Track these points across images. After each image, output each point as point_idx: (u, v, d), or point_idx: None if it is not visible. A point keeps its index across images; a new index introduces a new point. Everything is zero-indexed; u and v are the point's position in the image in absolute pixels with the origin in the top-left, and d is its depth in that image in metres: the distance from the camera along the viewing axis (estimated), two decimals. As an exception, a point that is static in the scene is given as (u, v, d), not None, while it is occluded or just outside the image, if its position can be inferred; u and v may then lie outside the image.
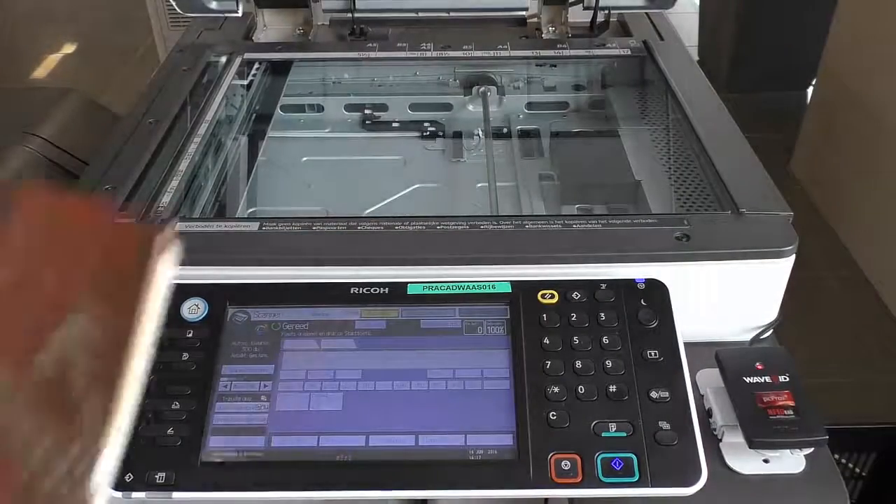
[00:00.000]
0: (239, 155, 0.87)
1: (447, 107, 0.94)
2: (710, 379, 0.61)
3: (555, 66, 0.97)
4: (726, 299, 0.64)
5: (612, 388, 0.55)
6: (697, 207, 0.73)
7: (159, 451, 0.54)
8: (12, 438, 0.36)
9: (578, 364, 0.57)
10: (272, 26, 1.10)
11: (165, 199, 0.71)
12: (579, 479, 0.52)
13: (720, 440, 0.58)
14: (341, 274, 0.62)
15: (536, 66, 0.97)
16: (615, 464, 0.53)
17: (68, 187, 0.74)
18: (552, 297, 0.60)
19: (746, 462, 0.57)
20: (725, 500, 0.56)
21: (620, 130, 0.90)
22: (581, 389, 0.55)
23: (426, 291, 0.61)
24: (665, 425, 0.54)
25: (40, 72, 2.78)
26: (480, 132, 0.90)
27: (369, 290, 0.61)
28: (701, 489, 0.52)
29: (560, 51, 0.97)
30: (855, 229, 1.89)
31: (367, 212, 0.73)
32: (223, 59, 0.96)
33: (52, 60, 2.84)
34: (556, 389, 0.56)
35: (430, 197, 0.73)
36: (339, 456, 0.54)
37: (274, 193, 0.83)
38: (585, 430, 0.54)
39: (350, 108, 0.99)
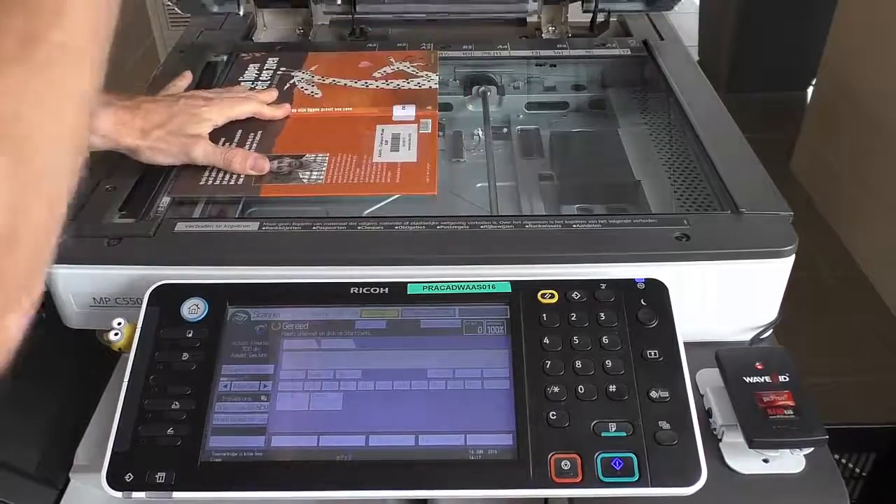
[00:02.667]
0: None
1: (447, 107, 0.94)
2: (710, 379, 0.61)
3: (555, 66, 0.97)
4: (726, 299, 0.64)
5: (612, 388, 0.55)
6: (697, 207, 0.73)
7: (159, 451, 0.54)
8: None
9: (578, 364, 0.57)
10: (272, 26, 1.10)
11: (166, 199, 0.71)
12: (579, 479, 0.52)
13: (720, 440, 0.58)
14: (341, 274, 0.62)
15: (536, 66, 0.97)
16: (615, 464, 0.53)
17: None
18: (552, 296, 0.60)
19: (746, 462, 0.57)
20: (725, 500, 0.56)
21: (620, 130, 0.89)
22: (581, 389, 0.55)
23: (426, 291, 0.61)
24: (665, 425, 0.54)
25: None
26: (480, 132, 0.90)
27: (369, 290, 0.61)
28: (701, 489, 0.52)
29: (560, 51, 0.97)
30: (855, 229, 1.89)
31: (367, 212, 0.73)
32: (223, 59, 0.96)
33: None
34: (556, 389, 0.56)
35: (429, 197, 0.73)
36: (339, 456, 0.54)
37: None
38: (585, 429, 0.54)
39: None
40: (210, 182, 0.73)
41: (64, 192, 0.37)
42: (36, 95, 0.36)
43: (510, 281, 0.61)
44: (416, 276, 0.62)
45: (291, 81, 0.89)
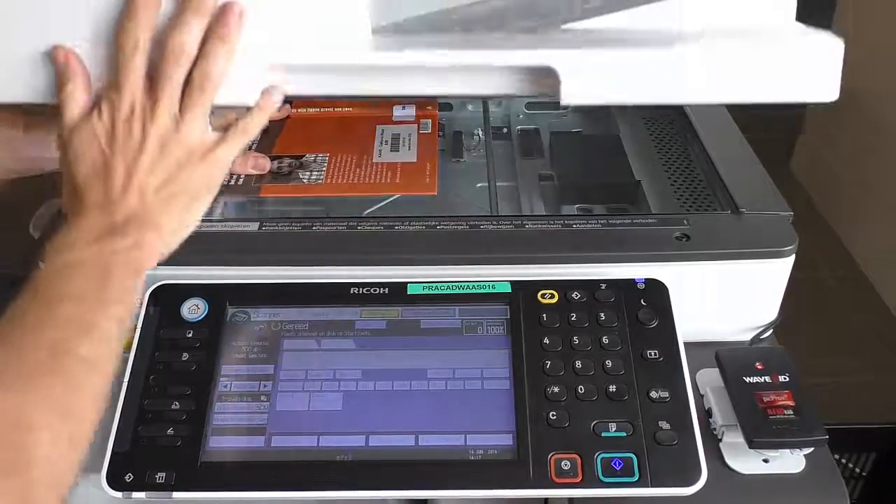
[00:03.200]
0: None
1: (447, 107, 0.94)
2: (710, 379, 0.61)
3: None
4: (726, 299, 0.64)
5: (612, 388, 0.55)
6: (697, 207, 0.73)
7: (159, 451, 0.54)
8: None
9: (578, 364, 0.57)
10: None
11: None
12: (579, 479, 0.52)
13: (720, 440, 0.58)
14: (341, 274, 0.62)
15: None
16: (615, 464, 0.53)
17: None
18: (552, 296, 0.60)
19: (746, 462, 0.57)
20: (725, 500, 0.56)
21: (620, 130, 0.89)
22: (581, 389, 0.55)
23: (426, 291, 0.61)
24: (665, 425, 0.54)
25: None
26: (480, 132, 0.90)
27: (369, 290, 0.61)
28: (701, 489, 0.52)
29: (560, 51, 0.97)
30: (855, 229, 1.89)
31: (367, 212, 0.73)
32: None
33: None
34: (556, 389, 0.56)
35: (429, 197, 0.73)
36: (339, 456, 0.54)
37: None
38: (585, 430, 0.54)
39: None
40: None
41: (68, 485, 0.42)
42: (59, 406, 0.42)
43: (510, 281, 0.61)
44: (416, 276, 0.62)
45: None
